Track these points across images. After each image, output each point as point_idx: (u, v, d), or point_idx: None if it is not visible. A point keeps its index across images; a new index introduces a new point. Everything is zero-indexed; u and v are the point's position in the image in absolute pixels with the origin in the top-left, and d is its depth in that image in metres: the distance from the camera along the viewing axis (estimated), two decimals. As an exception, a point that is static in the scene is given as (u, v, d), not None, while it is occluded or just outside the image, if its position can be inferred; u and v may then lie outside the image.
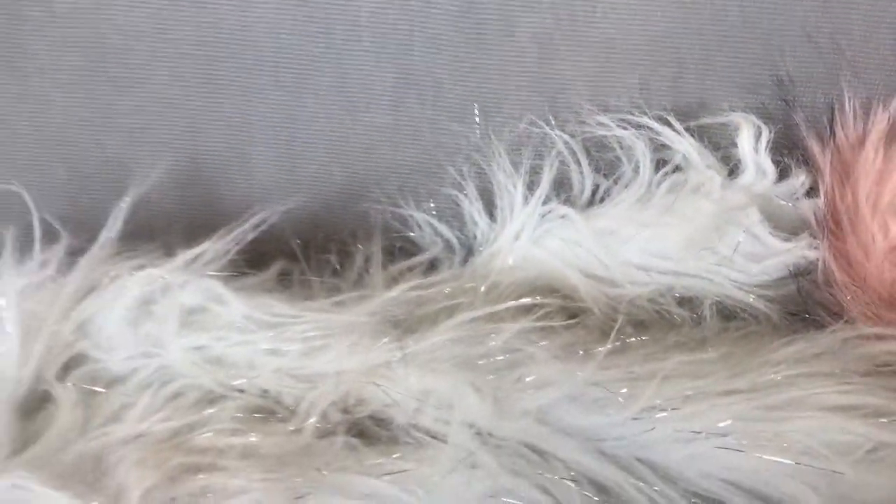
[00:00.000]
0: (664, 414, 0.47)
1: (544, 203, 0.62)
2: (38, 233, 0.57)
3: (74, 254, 0.58)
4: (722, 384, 0.48)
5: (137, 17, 0.61)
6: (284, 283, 0.60)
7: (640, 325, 0.59)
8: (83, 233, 0.60)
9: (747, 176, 0.58)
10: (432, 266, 0.65)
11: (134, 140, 0.64)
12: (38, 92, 0.63)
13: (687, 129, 0.61)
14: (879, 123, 0.58)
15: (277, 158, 0.65)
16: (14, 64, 0.63)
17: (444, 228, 0.65)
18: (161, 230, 0.60)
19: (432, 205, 0.65)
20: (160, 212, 0.65)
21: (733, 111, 0.61)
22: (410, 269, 0.63)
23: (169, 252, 0.56)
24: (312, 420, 0.46)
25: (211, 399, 0.48)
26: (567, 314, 0.60)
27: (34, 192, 0.60)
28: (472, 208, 0.64)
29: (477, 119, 0.63)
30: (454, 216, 0.65)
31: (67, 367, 0.51)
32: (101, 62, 0.62)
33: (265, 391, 0.49)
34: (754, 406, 0.48)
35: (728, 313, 0.59)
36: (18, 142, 0.64)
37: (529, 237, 0.61)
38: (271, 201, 0.65)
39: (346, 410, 0.49)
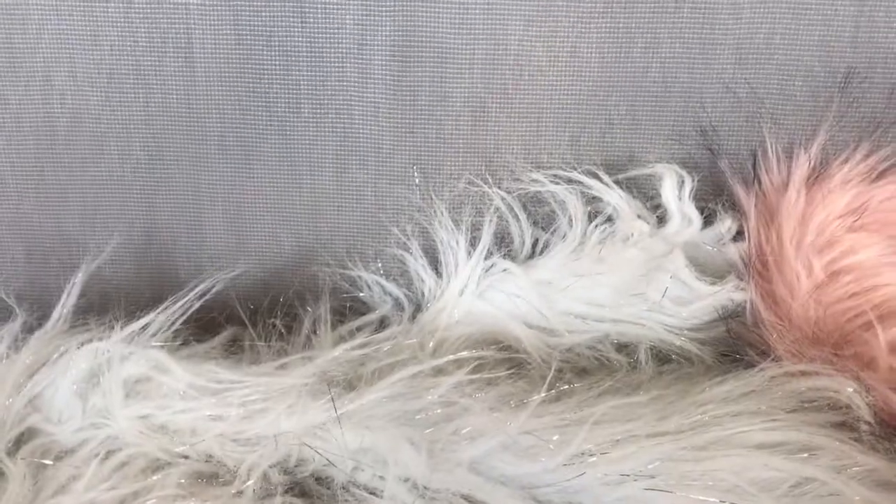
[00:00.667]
0: (594, 458, 0.49)
1: (486, 257, 0.65)
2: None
3: (31, 330, 0.60)
4: (651, 426, 0.50)
5: (85, 100, 0.63)
6: (234, 348, 0.62)
7: (581, 372, 0.61)
8: (41, 309, 0.62)
9: (673, 224, 0.61)
10: (383, 324, 0.67)
11: (88, 218, 0.66)
12: (-6, 175, 0.65)
13: (616, 182, 0.64)
14: (801, 167, 0.61)
15: (227, 226, 0.67)
16: (-31, 149, 0.65)
17: (391, 287, 0.68)
18: (116, 303, 0.62)
19: (379, 264, 0.68)
20: (115, 285, 0.68)
21: (658, 162, 0.63)
22: (360, 328, 0.64)
23: (122, 324, 0.58)
24: (251, 482, 0.47)
25: (156, 466, 0.50)
26: (510, 365, 0.62)
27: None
28: (418, 266, 0.67)
29: (417, 180, 0.65)
30: (401, 274, 0.68)
31: (19, 442, 0.52)
32: (51, 145, 0.64)
33: (209, 456, 0.51)
34: (681, 446, 0.49)
35: (663, 357, 0.61)
36: (-25, 223, 0.66)
37: (473, 292, 0.64)
38: (222, 268, 0.67)
39: (287, 471, 0.50)
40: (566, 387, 0.54)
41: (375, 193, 0.66)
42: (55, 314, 0.58)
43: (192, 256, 0.68)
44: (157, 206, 0.67)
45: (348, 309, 0.68)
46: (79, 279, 0.60)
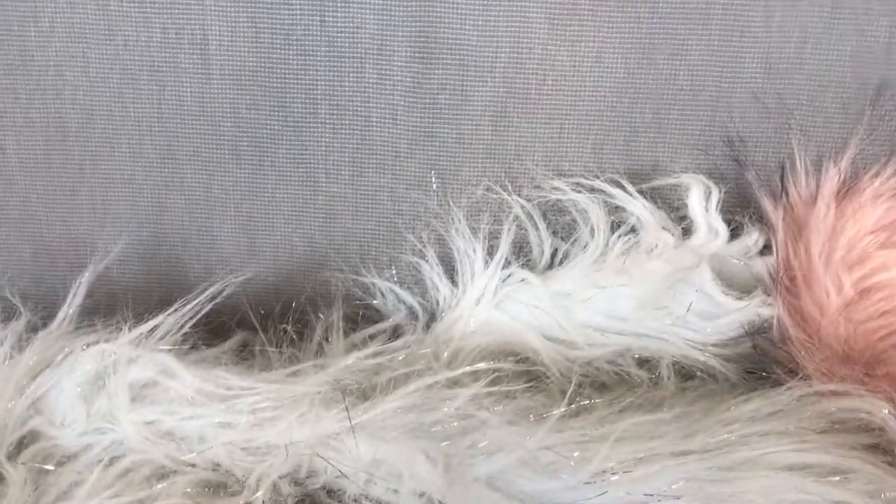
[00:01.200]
0: (616, 477, 0.47)
1: (504, 267, 0.63)
2: (-3, 311, 0.57)
3: (36, 330, 0.58)
4: (675, 445, 0.48)
5: (97, 96, 0.62)
6: (245, 354, 0.60)
7: (600, 387, 0.60)
8: (46, 309, 0.60)
9: (699, 236, 0.59)
10: (396, 333, 0.65)
11: (97, 217, 0.65)
12: (2, 172, 0.64)
13: (640, 192, 0.62)
14: (830, 180, 0.59)
15: (239, 230, 0.66)
16: (-23, 145, 0.64)
17: (406, 295, 0.66)
18: (123, 305, 0.60)
19: (394, 272, 0.66)
20: (123, 286, 0.66)
21: (684, 172, 0.61)
22: (372, 336, 0.63)
23: (130, 326, 0.56)
24: (260, 493, 0.46)
25: (162, 474, 0.48)
26: (528, 378, 0.60)
27: (-1, 271, 0.61)
28: (433, 274, 0.65)
29: (435, 186, 0.63)
30: (416, 282, 0.66)
31: (21, 445, 0.50)
32: (62, 142, 0.63)
33: (217, 465, 0.49)
34: (708, 466, 0.47)
35: (686, 373, 0.59)
36: (-18, 221, 0.65)
37: (490, 302, 0.62)
38: (233, 271, 0.65)
39: (297, 482, 0.48)
40: (586, 402, 0.52)
41: (392, 198, 0.64)
42: (61, 314, 0.56)
43: (202, 259, 0.66)
44: (167, 206, 0.65)
45: (361, 317, 0.66)
46: (85, 279, 0.58)
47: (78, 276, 0.61)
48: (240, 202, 0.65)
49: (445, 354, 0.60)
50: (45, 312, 0.60)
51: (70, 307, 0.57)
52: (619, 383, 0.59)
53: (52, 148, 0.63)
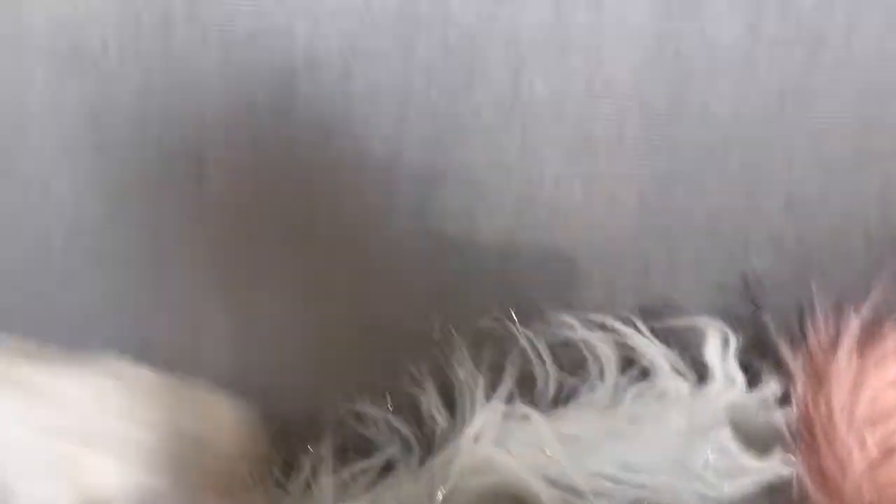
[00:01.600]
0: None
1: (507, 402, 0.59)
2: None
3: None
4: None
5: (83, 214, 0.58)
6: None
7: (608, 541, 0.56)
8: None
9: (716, 384, 0.56)
10: (388, 467, 0.61)
11: (77, 336, 0.61)
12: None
13: (653, 331, 0.58)
14: (851, 329, 0.56)
15: (225, 350, 0.62)
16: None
17: (401, 425, 0.62)
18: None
19: (389, 401, 0.62)
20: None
21: (699, 314, 0.58)
22: (364, 471, 0.59)
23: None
24: None
25: None
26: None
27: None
28: (431, 405, 0.61)
29: (436, 316, 0.60)
30: (412, 413, 0.62)
31: None
32: (46, 259, 0.59)
33: None
34: None
35: None
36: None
37: (491, 439, 0.58)
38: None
39: None
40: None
41: (393, 325, 0.61)
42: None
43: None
44: (152, 324, 0.61)
45: (351, 448, 0.62)
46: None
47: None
48: (230, 319, 0.61)
49: (439, 496, 0.56)
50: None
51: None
52: (626, 538, 0.55)
53: (35, 262, 0.60)
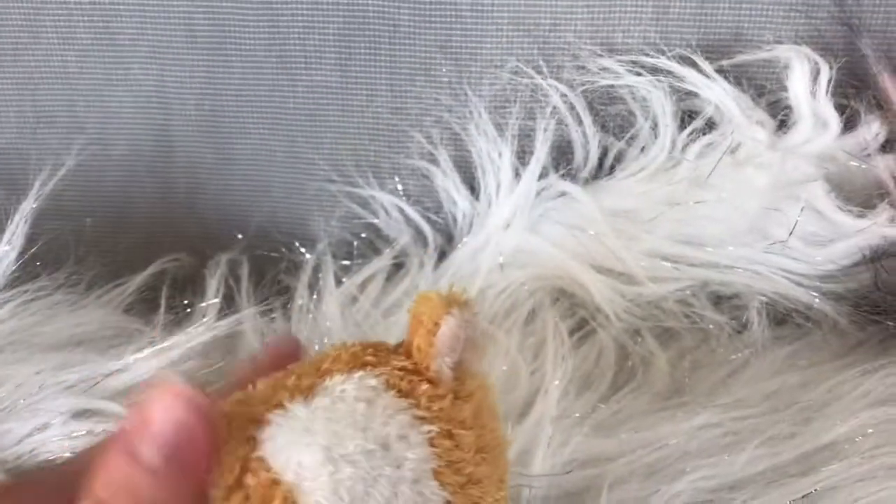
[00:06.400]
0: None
1: (541, 176, 0.48)
2: None
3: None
4: (769, 454, 0.34)
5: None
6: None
7: (665, 335, 0.45)
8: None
9: (803, 129, 0.44)
10: (399, 265, 0.51)
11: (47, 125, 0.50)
12: None
13: (719, 71, 0.45)
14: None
15: (201, 134, 0.51)
16: None
17: (413, 211, 0.51)
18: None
19: (397, 182, 0.51)
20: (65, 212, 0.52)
21: (779, 42, 0.45)
22: (371, 277, 0.49)
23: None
24: None
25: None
26: (577, 320, 0.46)
27: None
28: (448, 184, 0.50)
29: (445, 70, 0.48)
30: (427, 194, 0.51)
31: None
32: None
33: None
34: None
35: (778, 317, 0.44)
36: None
37: (524, 224, 0.47)
38: (197, 185, 0.51)
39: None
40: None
41: (390, 89, 0.48)
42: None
43: (157, 173, 0.51)
44: (114, 107, 0.50)
45: (358, 240, 0.52)
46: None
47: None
48: (200, 100, 0.50)
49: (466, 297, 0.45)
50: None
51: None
52: (690, 330, 0.44)
53: None
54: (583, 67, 0.47)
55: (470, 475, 0.25)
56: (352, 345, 0.27)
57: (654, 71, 0.47)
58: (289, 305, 0.47)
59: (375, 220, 0.52)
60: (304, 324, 0.46)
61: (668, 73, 0.47)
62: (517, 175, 0.49)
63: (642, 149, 0.48)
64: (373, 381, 0.26)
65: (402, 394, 0.26)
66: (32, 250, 0.43)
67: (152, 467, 0.23)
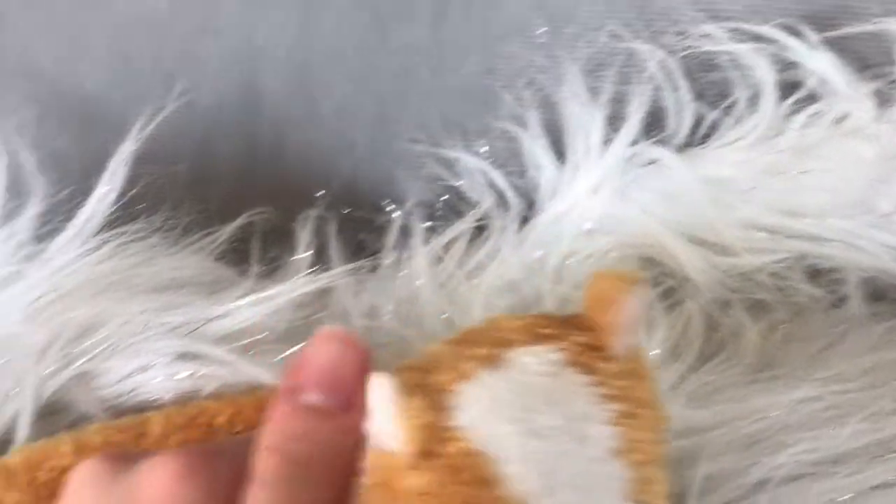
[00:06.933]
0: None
1: (631, 143, 0.47)
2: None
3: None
4: (871, 429, 0.34)
5: None
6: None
7: (755, 307, 0.45)
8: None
9: (912, 104, 0.42)
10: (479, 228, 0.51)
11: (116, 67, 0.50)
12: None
13: (826, 42, 0.44)
14: None
15: (288, 88, 0.51)
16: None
17: (497, 175, 0.50)
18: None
19: (484, 145, 0.50)
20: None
21: (888, 15, 0.45)
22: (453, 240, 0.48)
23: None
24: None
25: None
26: (664, 289, 0.46)
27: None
28: (536, 148, 0.49)
29: (541, 31, 0.48)
30: (512, 158, 0.50)
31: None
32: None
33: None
34: None
35: (877, 293, 0.43)
36: None
37: (612, 190, 0.46)
38: (280, 138, 0.51)
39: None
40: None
41: (483, 49, 0.47)
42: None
43: (243, 126, 0.51)
44: (203, 56, 0.49)
45: (439, 204, 0.51)
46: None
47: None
48: (289, 53, 0.50)
49: (552, 262, 0.45)
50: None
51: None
52: (782, 303, 0.43)
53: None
54: (683, 33, 0.47)
55: (648, 455, 0.25)
56: (522, 315, 0.27)
57: (758, 39, 0.46)
58: (377, 263, 0.47)
59: (458, 183, 0.52)
60: (392, 282, 0.45)
61: (772, 41, 0.46)
62: (607, 140, 0.48)
63: (739, 119, 0.47)
64: (555, 356, 0.25)
65: (585, 370, 0.25)
66: (131, 193, 0.43)
67: (318, 408, 0.23)
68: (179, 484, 0.24)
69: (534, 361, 0.26)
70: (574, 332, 0.27)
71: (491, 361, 0.25)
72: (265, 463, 0.24)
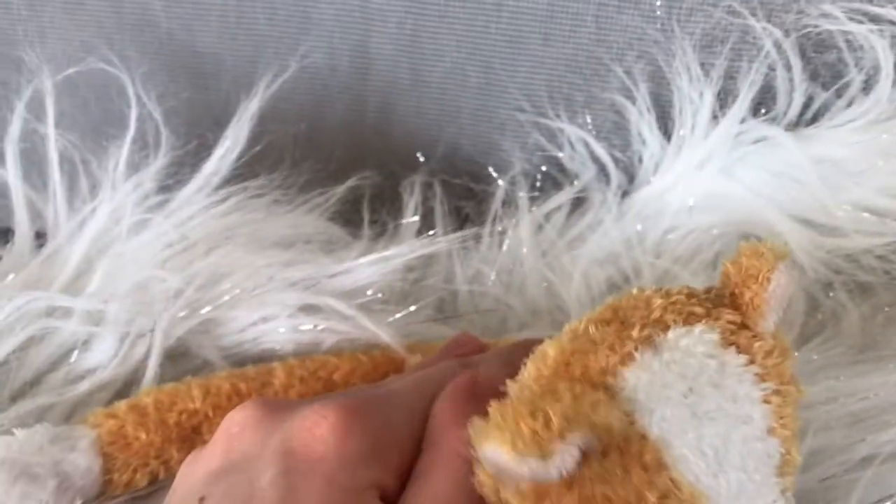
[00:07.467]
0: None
1: (740, 121, 0.47)
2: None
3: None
4: None
5: None
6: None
7: (857, 289, 0.45)
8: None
9: None
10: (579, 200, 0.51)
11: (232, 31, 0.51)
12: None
13: None
14: None
15: (399, 54, 0.51)
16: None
17: (600, 148, 0.51)
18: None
19: (587, 116, 0.51)
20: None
21: None
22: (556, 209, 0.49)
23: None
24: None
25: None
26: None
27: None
28: (642, 122, 0.49)
29: (658, 2, 0.47)
30: (616, 131, 0.51)
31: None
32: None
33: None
34: None
35: None
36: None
37: (718, 167, 0.46)
38: (389, 103, 0.52)
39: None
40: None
41: (597, 19, 0.48)
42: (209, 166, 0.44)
43: (353, 90, 0.52)
44: (316, 18, 0.50)
45: (541, 173, 0.52)
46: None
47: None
48: (402, 18, 0.50)
49: (651, 238, 0.45)
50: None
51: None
52: (886, 286, 0.43)
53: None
54: (801, 12, 0.46)
55: (792, 430, 0.26)
56: (668, 290, 0.27)
57: (877, 20, 0.45)
58: (481, 230, 0.48)
59: (560, 154, 0.52)
60: (495, 249, 0.46)
61: (892, 23, 0.45)
62: (715, 117, 0.48)
63: (851, 100, 0.46)
64: (713, 336, 0.26)
65: (740, 350, 0.26)
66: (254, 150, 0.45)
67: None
68: (335, 436, 0.25)
69: (694, 344, 0.26)
70: (724, 310, 0.27)
71: (649, 343, 0.26)
72: None
